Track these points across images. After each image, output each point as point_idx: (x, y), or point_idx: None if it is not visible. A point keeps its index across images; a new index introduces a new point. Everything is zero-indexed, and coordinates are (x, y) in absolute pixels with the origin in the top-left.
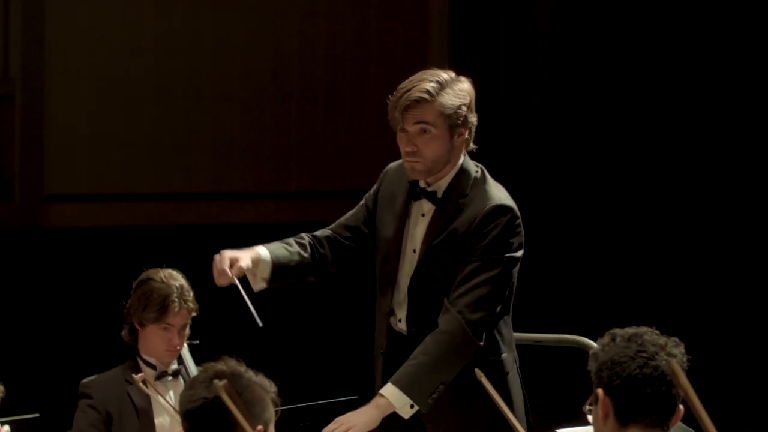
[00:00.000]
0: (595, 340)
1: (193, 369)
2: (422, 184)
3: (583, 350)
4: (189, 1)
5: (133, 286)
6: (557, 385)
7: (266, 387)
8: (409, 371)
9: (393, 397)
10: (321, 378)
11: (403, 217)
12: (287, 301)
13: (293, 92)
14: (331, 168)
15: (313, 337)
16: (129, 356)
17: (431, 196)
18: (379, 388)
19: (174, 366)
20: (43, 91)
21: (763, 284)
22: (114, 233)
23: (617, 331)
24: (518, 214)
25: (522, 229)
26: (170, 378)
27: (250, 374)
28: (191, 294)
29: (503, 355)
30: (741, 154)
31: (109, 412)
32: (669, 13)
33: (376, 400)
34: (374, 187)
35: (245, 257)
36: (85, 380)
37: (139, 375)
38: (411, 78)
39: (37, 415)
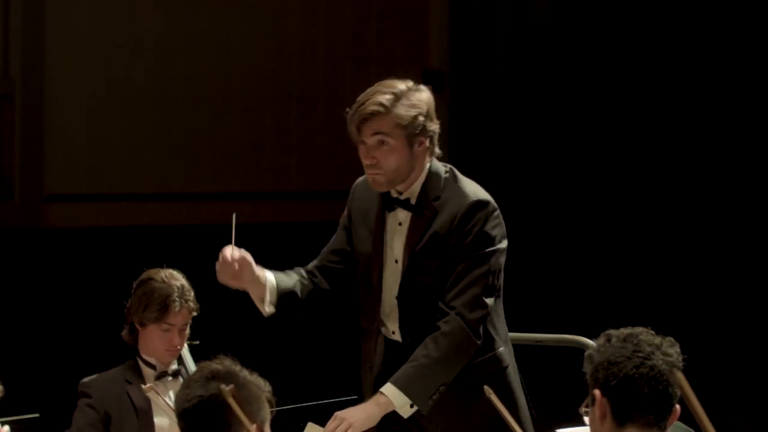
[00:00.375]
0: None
1: (193, 369)
2: (394, 193)
3: (583, 350)
4: (189, 1)
5: (134, 286)
6: (557, 385)
7: (261, 386)
8: (411, 372)
9: (393, 397)
10: (321, 378)
11: (380, 229)
12: None
13: (293, 92)
14: (331, 168)
15: (312, 337)
16: (129, 356)
17: (405, 204)
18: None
19: (174, 366)
20: (43, 91)
21: (761, 284)
22: (114, 233)
23: (612, 331)
24: (496, 205)
25: (501, 219)
26: (170, 378)
27: (245, 373)
28: (192, 294)
29: (500, 348)
30: (739, 153)
31: (108, 411)
32: (668, 13)
33: (377, 398)
34: (346, 206)
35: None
36: (85, 379)
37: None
38: (368, 90)
39: (37, 415)
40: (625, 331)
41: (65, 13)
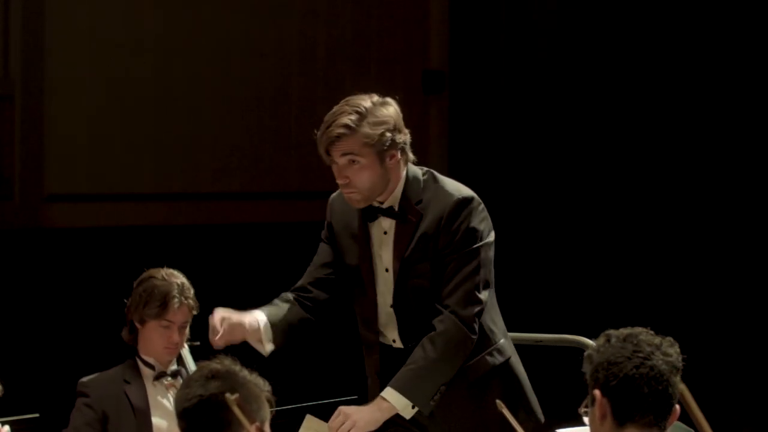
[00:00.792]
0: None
1: (193, 369)
2: (375, 203)
3: (583, 350)
4: (189, 1)
5: (135, 284)
6: (557, 385)
7: (261, 385)
8: (410, 374)
9: (395, 400)
10: (321, 378)
11: (365, 241)
12: None
13: (293, 92)
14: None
15: (312, 337)
16: (128, 356)
17: (389, 212)
18: None
19: (173, 367)
20: (43, 91)
21: (761, 284)
22: (114, 233)
23: (612, 332)
24: (479, 199)
25: (486, 212)
26: (169, 378)
27: (245, 373)
28: (191, 292)
29: (501, 341)
30: (738, 153)
31: (106, 411)
32: (670, 14)
33: (379, 403)
34: (325, 222)
35: (239, 315)
36: (84, 379)
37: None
38: (334, 109)
39: (37, 415)
40: (624, 331)
41: (65, 13)
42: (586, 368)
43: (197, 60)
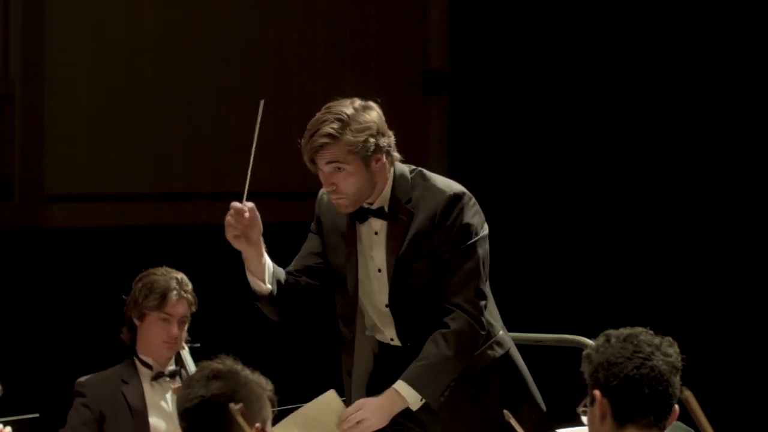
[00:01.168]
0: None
1: (193, 371)
2: (364, 205)
3: (583, 350)
4: (189, 1)
5: (134, 283)
6: (557, 385)
7: (263, 385)
8: (424, 370)
9: (408, 395)
10: (321, 378)
11: (353, 242)
12: None
13: (293, 92)
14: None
15: (313, 337)
16: (128, 356)
17: (379, 213)
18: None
19: (171, 367)
20: (43, 91)
21: (761, 284)
22: (114, 233)
23: (612, 332)
24: (470, 194)
25: (478, 206)
26: (167, 379)
27: (247, 372)
28: (190, 287)
29: (500, 333)
30: (737, 153)
31: (103, 411)
32: (670, 15)
33: (392, 397)
34: (314, 215)
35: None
36: (81, 379)
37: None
38: (316, 116)
39: (37, 415)
40: (624, 331)
41: (65, 13)
42: (585, 368)
43: (197, 60)
